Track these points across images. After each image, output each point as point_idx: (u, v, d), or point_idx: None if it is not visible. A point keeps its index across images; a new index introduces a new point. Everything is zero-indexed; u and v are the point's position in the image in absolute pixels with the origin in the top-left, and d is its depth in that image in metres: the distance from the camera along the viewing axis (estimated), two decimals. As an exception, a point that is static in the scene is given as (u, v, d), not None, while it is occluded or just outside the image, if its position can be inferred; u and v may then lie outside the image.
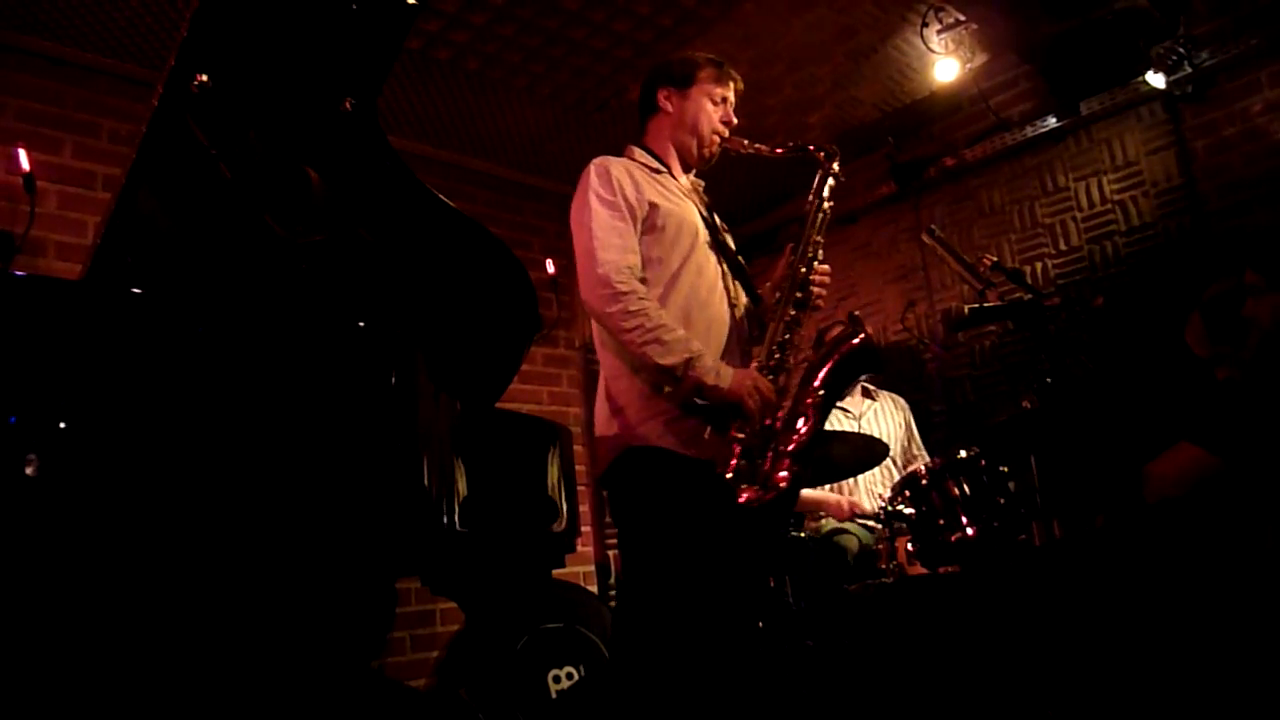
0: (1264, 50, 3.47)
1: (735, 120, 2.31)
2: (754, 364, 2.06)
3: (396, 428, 1.95)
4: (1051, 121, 4.07)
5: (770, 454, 1.97)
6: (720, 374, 1.93)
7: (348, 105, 2.15)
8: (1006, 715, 2.46)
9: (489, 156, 4.57)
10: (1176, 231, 3.70)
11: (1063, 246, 4.06)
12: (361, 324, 1.94)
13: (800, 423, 2.02)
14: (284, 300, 2.22)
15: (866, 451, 3.24)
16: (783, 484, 1.95)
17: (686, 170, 2.32)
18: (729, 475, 1.92)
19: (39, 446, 1.52)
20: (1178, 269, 3.61)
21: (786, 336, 2.09)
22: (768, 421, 1.96)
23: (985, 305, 2.56)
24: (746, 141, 2.29)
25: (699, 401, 1.96)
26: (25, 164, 3.11)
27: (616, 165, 2.13)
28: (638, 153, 2.27)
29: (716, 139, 2.28)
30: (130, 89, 3.56)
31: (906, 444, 3.77)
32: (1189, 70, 3.62)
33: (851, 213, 4.92)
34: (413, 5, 2.09)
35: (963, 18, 3.67)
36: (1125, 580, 2.43)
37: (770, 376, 2.03)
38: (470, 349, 2.53)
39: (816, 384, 2.09)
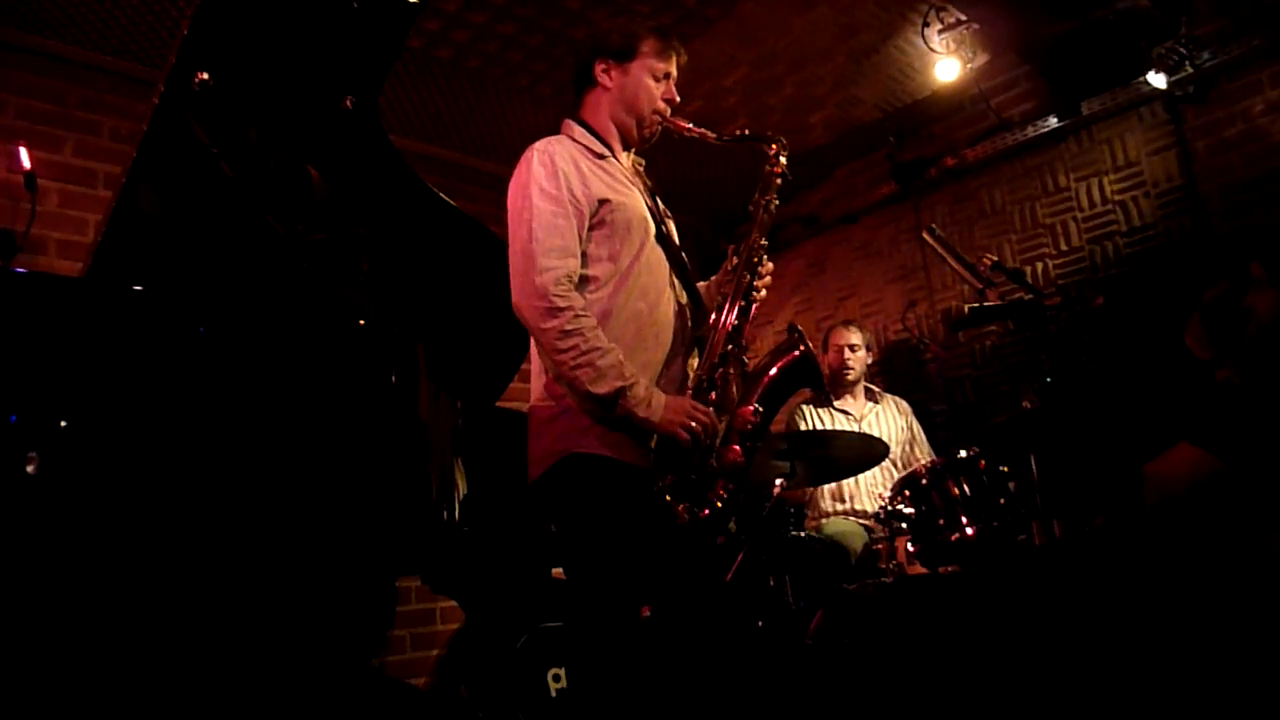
0: (1265, 51, 3.47)
1: (678, 98, 2.12)
2: (690, 383, 1.97)
3: (397, 426, 1.95)
4: (1052, 122, 4.07)
5: (706, 473, 1.89)
6: (652, 405, 1.83)
7: (349, 104, 2.15)
8: (1006, 715, 2.46)
9: (490, 155, 4.57)
10: (1177, 232, 3.70)
11: (1063, 246, 4.06)
12: (362, 322, 1.95)
13: (736, 441, 1.93)
14: (285, 299, 2.22)
15: (865, 451, 3.25)
16: (719, 503, 1.88)
17: (626, 149, 2.15)
18: (667, 496, 1.85)
19: (39, 445, 1.52)
20: (1178, 269, 3.62)
21: (728, 347, 1.98)
22: (705, 440, 1.87)
23: (986, 305, 2.56)
24: (691, 125, 2.10)
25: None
26: (26, 162, 3.11)
27: (561, 153, 1.95)
28: (578, 131, 2.07)
29: (657, 119, 2.09)
30: (131, 87, 3.56)
31: (909, 447, 3.75)
32: (1190, 71, 3.61)
33: (852, 213, 4.92)
34: (414, 4, 2.09)
35: (964, 18, 3.67)
36: (1125, 580, 2.43)
37: (708, 392, 1.94)
38: (471, 348, 2.54)
39: (755, 400, 1.99)
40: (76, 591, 1.64)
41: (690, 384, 1.98)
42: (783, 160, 2.11)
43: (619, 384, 1.80)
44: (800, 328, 2.11)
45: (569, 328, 1.81)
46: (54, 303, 1.63)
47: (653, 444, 1.88)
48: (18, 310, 1.58)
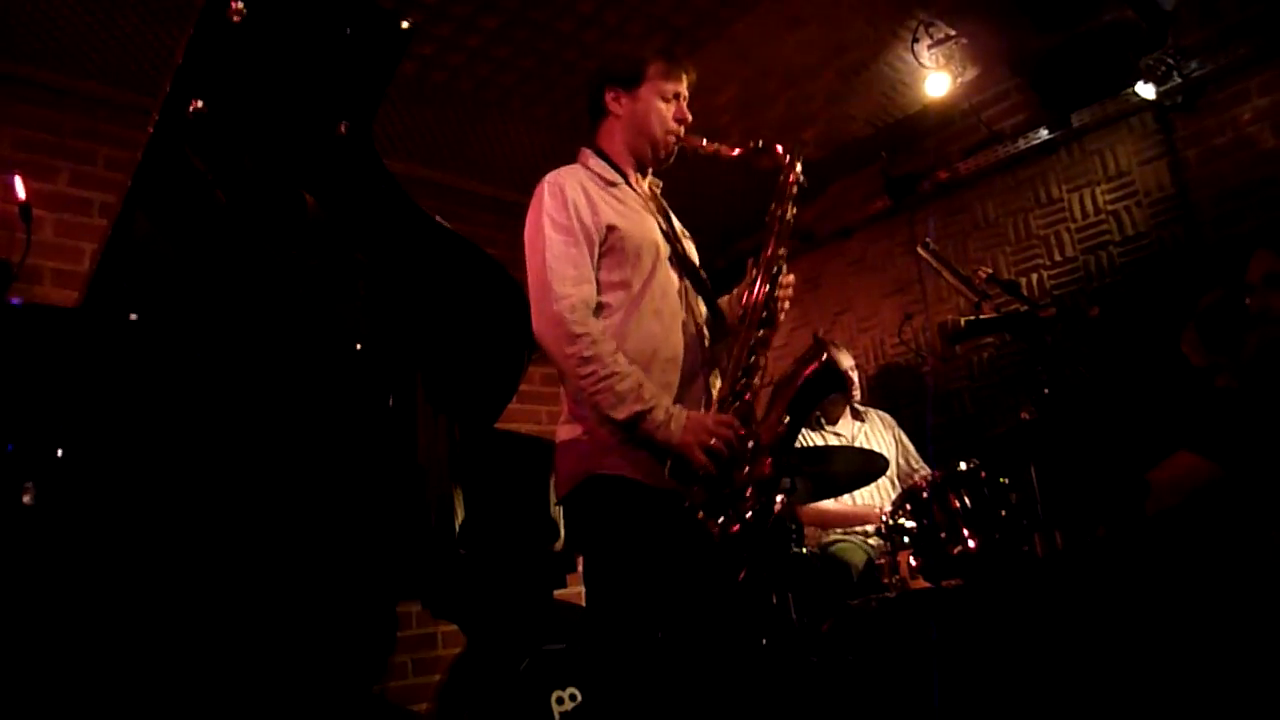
0: (1252, 59, 3.49)
1: (690, 117, 2.16)
2: (715, 398, 1.99)
3: (395, 450, 1.95)
4: (1043, 133, 4.09)
5: (737, 485, 1.90)
6: (671, 428, 1.84)
7: (343, 129, 2.15)
8: (1013, 729, 2.44)
9: (485, 178, 4.59)
10: (1170, 240, 3.72)
11: (1057, 257, 4.07)
12: (359, 347, 1.95)
13: (766, 453, 1.94)
14: (281, 325, 2.22)
15: (865, 466, 3.24)
16: (749, 516, 1.88)
17: (643, 172, 2.20)
18: (699, 513, 1.86)
19: (36, 475, 1.51)
20: (1172, 277, 3.63)
21: (752, 359, 2.00)
22: (727, 455, 1.87)
23: (981, 317, 2.56)
24: (705, 141, 2.15)
25: None
26: (21, 192, 3.10)
27: (571, 183, 2.01)
28: (592, 160, 2.13)
29: (672, 139, 2.14)
30: (126, 116, 3.57)
31: (903, 461, 3.73)
32: (1178, 80, 3.64)
33: (846, 227, 4.94)
34: (407, 30, 2.11)
35: (953, 32, 3.70)
36: (1128, 590, 2.42)
37: (735, 403, 1.95)
38: (468, 370, 2.53)
39: (782, 410, 2.02)
40: (74, 620, 1.62)
41: (715, 398, 2.00)
42: (798, 168, 2.14)
43: (637, 408, 1.83)
44: (822, 336, 2.13)
45: (587, 354, 1.85)
46: (50, 332, 1.63)
47: (667, 468, 1.89)
48: (13, 341, 1.58)
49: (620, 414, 1.83)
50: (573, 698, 3.04)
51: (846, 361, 3.79)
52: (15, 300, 2.84)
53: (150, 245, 2.10)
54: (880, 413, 3.89)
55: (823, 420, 3.77)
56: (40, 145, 3.40)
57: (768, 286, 2.07)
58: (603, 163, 2.12)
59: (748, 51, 3.74)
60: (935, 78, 3.89)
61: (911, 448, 3.79)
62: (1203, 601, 2.25)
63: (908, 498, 2.92)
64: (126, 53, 3.36)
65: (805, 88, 4.07)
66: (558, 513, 2.62)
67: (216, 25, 1.86)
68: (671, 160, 2.19)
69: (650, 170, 2.21)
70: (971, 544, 2.71)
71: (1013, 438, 2.75)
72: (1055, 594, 2.53)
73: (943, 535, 2.77)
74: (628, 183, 2.12)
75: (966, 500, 2.78)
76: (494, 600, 2.88)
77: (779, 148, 2.14)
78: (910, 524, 2.88)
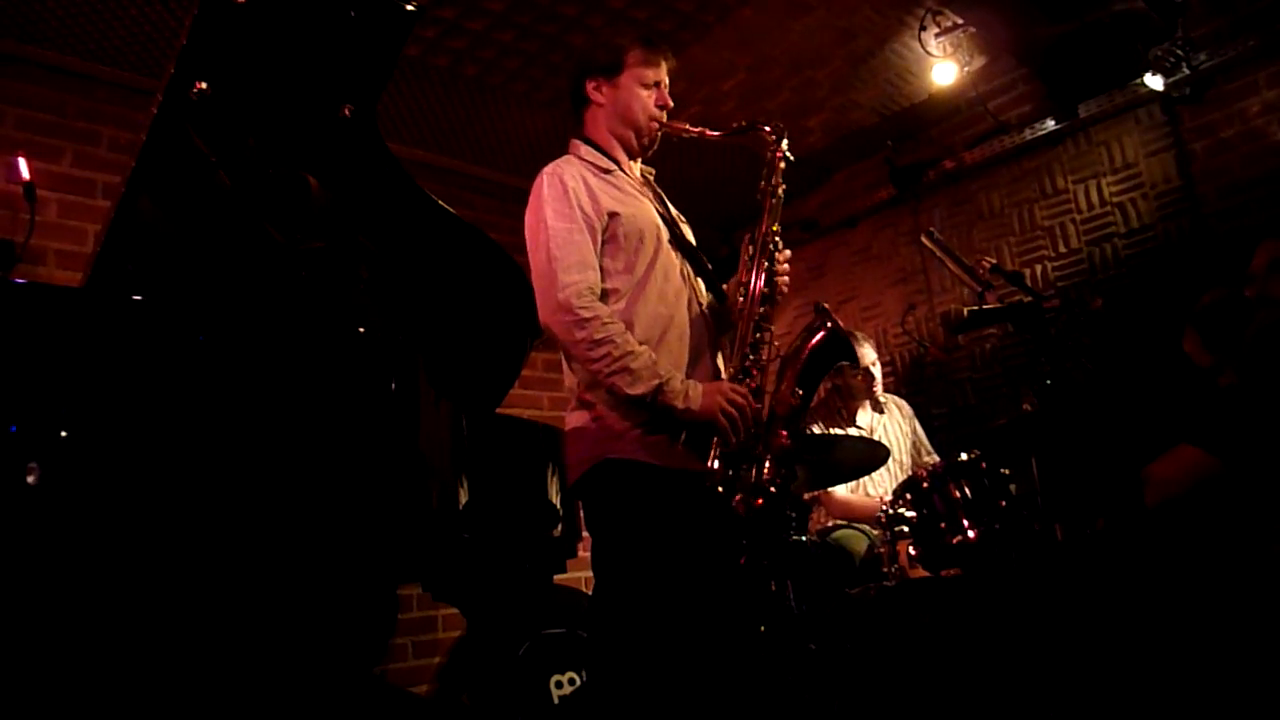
0: (1261, 52, 3.47)
1: (671, 103, 2.17)
2: (725, 373, 2.02)
3: (397, 434, 1.95)
4: (1050, 124, 4.07)
5: (756, 459, 1.93)
6: (690, 395, 1.88)
7: (347, 112, 2.15)
8: (1009, 718, 2.45)
9: (488, 162, 4.57)
10: (1175, 233, 3.71)
11: (1062, 249, 4.06)
12: (361, 330, 1.95)
13: (781, 425, 1.97)
14: (284, 307, 2.22)
15: (868, 455, 3.23)
16: (772, 489, 1.92)
17: (631, 159, 2.20)
18: (719, 488, 1.88)
19: (40, 455, 1.52)
20: (1177, 270, 3.62)
21: (757, 335, 2.03)
22: (747, 428, 1.91)
23: (985, 308, 2.55)
24: (689, 125, 2.16)
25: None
26: (25, 172, 3.11)
27: (569, 173, 2.02)
28: (584, 149, 2.13)
29: (655, 125, 2.14)
30: (130, 97, 3.56)
31: (914, 452, 3.72)
32: (1187, 72, 3.62)
33: (851, 216, 4.93)
34: (411, 12, 2.10)
35: (960, 21, 3.67)
36: (1127, 582, 2.42)
37: (744, 379, 1.98)
38: (471, 355, 2.54)
39: (793, 382, 2.04)
40: (77, 602, 1.63)
41: (725, 375, 2.02)
42: (784, 145, 2.15)
43: (655, 382, 1.86)
44: (825, 305, 2.14)
45: (598, 336, 1.86)
46: (53, 313, 1.63)
47: (682, 439, 1.91)
48: (17, 321, 1.58)
49: (639, 390, 1.85)
50: (571, 681, 3.06)
51: (870, 356, 3.73)
52: (19, 281, 2.84)
53: (153, 227, 2.10)
54: (899, 400, 3.86)
55: (843, 412, 3.75)
56: (44, 126, 3.40)
57: (766, 262, 2.09)
58: (595, 151, 2.13)
59: (753, 38, 3.72)
60: (942, 66, 3.87)
61: (924, 438, 3.77)
62: (1200, 595, 2.26)
63: (908, 487, 2.92)
64: (131, 34, 3.35)
65: (810, 75, 4.05)
66: (558, 498, 2.63)
67: (221, 7, 1.85)
68: (656, 147, 2.20)
69: (638, 158, 2.22)
70: (971, 534, 2.72)
71: (1014, 429, 2.75)
72: (1054, 585, 2.54)
73: (942, 525, 2.78)
74: (620, 169, 2.13)
75: (967, 490, 2.78)
76: (494, 584, 2.90)
77: (765, 127, 2.16)
78: (910, 513, 2.88)
